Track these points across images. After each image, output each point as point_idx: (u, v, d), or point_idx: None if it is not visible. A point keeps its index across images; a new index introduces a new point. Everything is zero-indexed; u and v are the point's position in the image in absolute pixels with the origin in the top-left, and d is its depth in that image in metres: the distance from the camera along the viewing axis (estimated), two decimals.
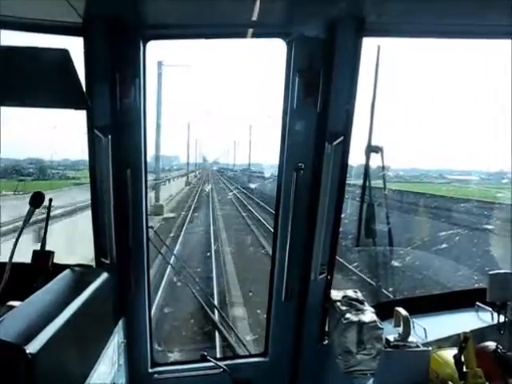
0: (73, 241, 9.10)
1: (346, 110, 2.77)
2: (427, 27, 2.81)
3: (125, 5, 2.56)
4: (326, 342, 3.11)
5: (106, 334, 2.51)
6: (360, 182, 3.16)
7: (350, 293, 3.06)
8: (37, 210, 2.57)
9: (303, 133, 2.86)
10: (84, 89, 2.39)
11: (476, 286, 5.69)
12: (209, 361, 3.07)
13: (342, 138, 2.77)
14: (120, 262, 2.85)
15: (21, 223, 2.52)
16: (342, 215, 3.00)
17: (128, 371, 2.95)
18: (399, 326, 2.77)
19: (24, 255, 2.63)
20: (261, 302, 7.79)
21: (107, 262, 2.82)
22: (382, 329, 2.78)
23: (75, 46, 2.45)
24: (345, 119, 2.78)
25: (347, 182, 2.96)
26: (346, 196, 2.99)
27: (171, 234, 15.36)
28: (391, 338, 2.76)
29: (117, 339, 2.69)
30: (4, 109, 2.68)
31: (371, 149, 3.07)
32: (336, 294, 3.05)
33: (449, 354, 2.58)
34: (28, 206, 2.54)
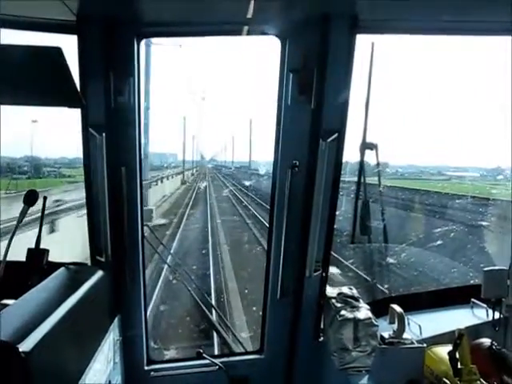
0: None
1: (340, 107, 2.76)
2: (421, 24, 2.80)
3: (119, 2, 2.55)
4: (322, 338, 3.11)
5: (101, 331, 2.51)
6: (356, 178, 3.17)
7: (346, 290, 3.06)
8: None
9: (298, 130, 2.85)
10: (78, 87, 2.38)
11: (471, 282, 5.72)
12: (205, 358, 3.08)
13: (336, 135, 2.77)
14: (115, 260, 2.85)
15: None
16: (337, 212, 3.01)
17: (124, 369, 2.94)
18: (394, 322, 2.79)
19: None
20: (257, 300, 7.78)
21: (102, 260, 2.82)
22: (377, 326, 2.79)
23: (69, 45, 2.44)
24: (339, 116, 2.78)
25: (342, 178, 2.96)
26: (341, 193, 2.99)
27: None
28: (386, 334, 2.78)
29: (112, 337, 2.69)
30: (4, 107, 2.66)
31: (366, 145, 3.08)
32: (331, 291, 3.05)
33: (443, 350, 2.60)
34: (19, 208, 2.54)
